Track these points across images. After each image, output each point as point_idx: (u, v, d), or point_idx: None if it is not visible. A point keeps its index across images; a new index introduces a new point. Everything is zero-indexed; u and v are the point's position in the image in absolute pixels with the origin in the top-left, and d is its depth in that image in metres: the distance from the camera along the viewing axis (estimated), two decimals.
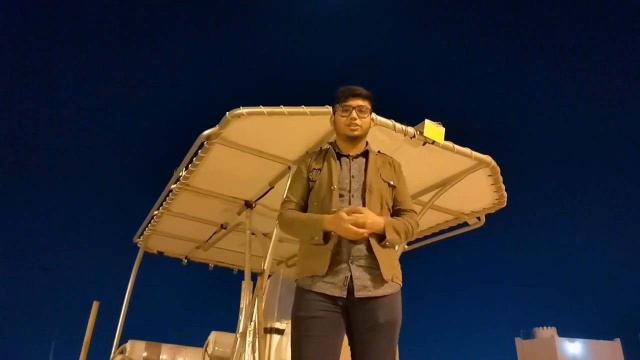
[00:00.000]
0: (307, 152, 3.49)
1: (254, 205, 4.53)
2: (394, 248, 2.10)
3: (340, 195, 2.03)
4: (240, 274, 6.37)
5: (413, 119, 3.38)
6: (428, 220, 4.70)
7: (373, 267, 1.93)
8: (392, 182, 2.14)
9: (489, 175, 3.80)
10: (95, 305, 5.92)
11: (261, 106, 3.13)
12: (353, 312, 1.91)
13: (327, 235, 1.94)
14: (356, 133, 2.13)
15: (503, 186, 3.95)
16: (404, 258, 4.72)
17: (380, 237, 1.97)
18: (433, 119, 3.38)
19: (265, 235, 4.91)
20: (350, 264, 1.91)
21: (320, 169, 2.13)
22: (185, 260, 6.58)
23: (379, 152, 2.28)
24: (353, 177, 2.08)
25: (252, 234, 4.54)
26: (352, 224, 1.87)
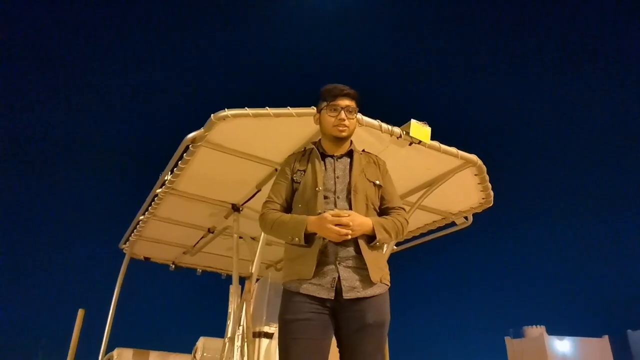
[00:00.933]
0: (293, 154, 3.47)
1: (241, 208, 4.49)
2: (383, 248, 2.09)
3: (326, 197, 2.01)
4: (229, 278, 6.33)
5: (399, 118, 3.38)
6: (416, 221, 4.70)
7: (361, 268, 1.91)
8: (377, 182, 2.12)
9: (476, 175, 3.80)
10: (80, 312, 5.82)
11: (246, 108, 3.10)
12: (341, 313, 1.89)
13: (308, 237, 1.92)
14: (344, 134, 2.11)
15: (489, 185, 3.96)
16: (393, 259, 4.72)
17: (370, 238, 1.95)
18: (419, 119, 3.38)
19: (253, 238, 4.86)
20: (338, 265, 1.89)
21: (304, 170, 2.10)
22: (173, 266, 6.51)
23: (363, 151, 2.26)
24: (338, 177, 2.06)
25: (240, 237, 4.50)
26: (335, 225, 1.85)
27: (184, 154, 3.53)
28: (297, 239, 1.92)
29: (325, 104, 2.13)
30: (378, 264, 1.97)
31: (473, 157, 3.62)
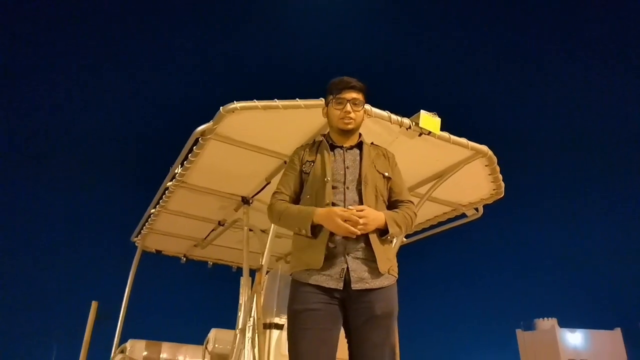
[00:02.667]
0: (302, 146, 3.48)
1: (251, 201, 4.51)
2: (393, 241, 2.09)
3: (334, 187, 2.01)
4: (239, 271, 6.36)
5: (410, 111, 3.36)
6: (426, 213, 4.69)
7: (370, 259, 1.91)
8: (386, 174, 2.12)
9: (486, 166, 3.78)
10: (94, 305, 5.91)
11: (255, 100, 3.11)
12: (350, 304, 1.90)
13: (314, 229, 1.93)
14: (350, 127, 2.11)
15: (500, 176, 3.93)
16: (403, 251, 4.71)
17: (382, 232, 1.96)
18: (429, 110, 3.36)
19: (263, 231, 4.88)
20: (347, 256, 1.90)
21: (313, 161, 2.11)
22: (184, 259, 6.57)
23: (372, 143, 2.26)
24: (347, 168, 2.06)
25: (250, 230, 4.52)
26: (345, 220, 1.85)
27: (194, 147, 3.55)
28: (303, 230, 1.93)
29: (331, 97, 2.14)
30: (387, 255, 1.97)
31: (483, 147, 3.59)
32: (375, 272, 1.91)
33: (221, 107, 3.12)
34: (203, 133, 3.36)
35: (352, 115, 2.09)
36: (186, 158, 3.73)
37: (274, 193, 2.14)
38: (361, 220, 1.86)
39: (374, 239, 1.93)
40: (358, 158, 2.11)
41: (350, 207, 1.92)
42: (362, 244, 1.93)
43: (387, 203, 2.12)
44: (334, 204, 1.96)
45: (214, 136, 3.42)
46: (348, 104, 2.09)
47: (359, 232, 1.87)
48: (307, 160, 2.13)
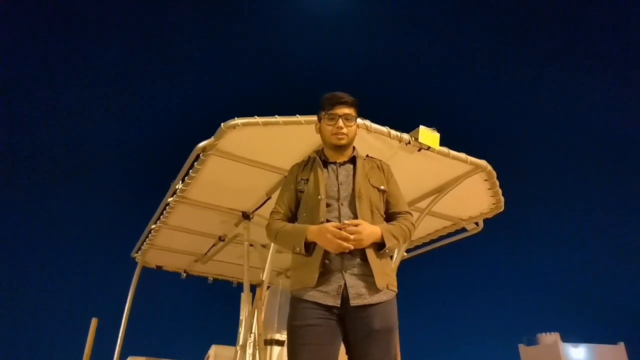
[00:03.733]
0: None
1: (251, 216, 4.52)
2: (391, 255, 2.09)
3: (328, 205, 2.01)
4: (240, 286, 6.35)
5: (406, 123, 3.39)
6: (426, 227, 4.69)
7: (367, 274, 1.91)
8: (382, 187, 2.12)
9: (486, 180, 3.80)
10: (94, 321, 5.88)
11: (256, 116, 3.14)
12: (348, 320, 1.89)
13: (308, 247, 1.93)
14: (343, 142, 2.11)
15: (500, 190, 3.95)
16: (403, 265, 4.71)
17: (379, 246, 1.96)
18: (428, 125, 3.39)
19: (263, 246, 4.89)
20: (344, 273, 1.90)
21: (307, 179, 2.11)
22: (184, 274, 6.55)
23: (367, 156, 2.27)
24: (341, 184, 2.06)
25: (250, 245, 4.52)
26: (335, 236, 1.85)
27: (195, 163, 3.57)
28: (297, 248, 1.94)
29: (324, 113, 2.15)
30: (384, 270, 1.96)
31: (482, 162, 3.61)
32: (373, 287, 1.90)
33: (222, 124, 3.16)
34: (204, 149, 3.39)
35: (345, 130, 2.10)
36: (187, 174, 3.75)
37: (272, 212, 2.16)
38: (353, 236, 1.86)
39: (370, 254, 1.92)
40: (351, 173, 2.11)
41: (345, 222, 1.92)
42: (359, 260, 1.92)
43: (384, 216, 2.12)
44: (328, 221, 1.95)
45: (214, 152, 3.44)
46: (340, 120, 2.09)
47: (351, 247, 1.86)
48: (302, 179, 2.14)
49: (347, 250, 1.87)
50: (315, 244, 1.93)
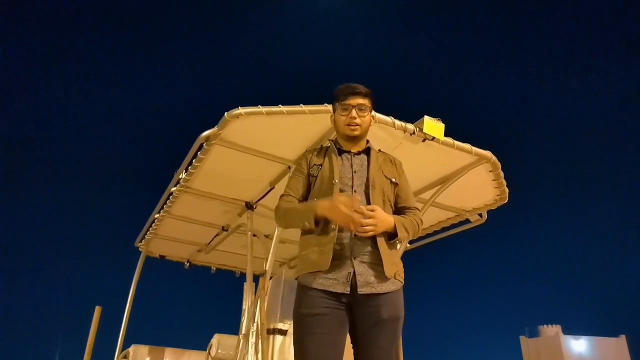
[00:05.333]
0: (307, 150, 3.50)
1: (254, 206, 4.52)
2: (398, 245, 2.09)
3: (342, 190, 2.00)
4: (243, 276, 6.37)
5: (413, 116, 3.37)
6: (430, 218, 4.69)
7: (376, 263, 1.91)
8: (394, 179, 2.13)
9: (490, 171, 3.78)
10: (97, 310, 5.90)
11: (260, 106, 3.12)
12: (356, 308, 1.89)
13: (318, 223, 1.91)
14: (356, 133, 2.12)
15: (504, 182, 3.93)
16: (406, 257, 4.71)
17: (390, 235, 1.96)
18: (433, 116, 3.37)
19: (266, 236, 4.89)
20: (353, 260, 1.89)
21: (321, 165, 2.11)
22: (187, 264, 6.57)
23: (379, 150, 2.27)
24: (355, 172, 2.07)
25: (254, 235, 4.53)
26: (348, 207, 1.81)
27: (198, 152, 3.57)
28: (307, 223, 1.91)
29: (337, 103, 2.15)
30: (393, 259, 1.97)
31: (487, 153, 3.60)
32: (381, 276, 1.90)
33: (225, 113, 3.14)
34: (207, 138, 3.38)
35: (358, 120, 2.10)
36: (190, 163, 3.74)
37: (282, 195, 2.15)
38: (370, 220, 1.85)
39: (381, 242, 1.93)
40: (366, 163, 2.11)
41: (362, 206, 1.89)
42: (370, 248, 1.92)
43: (393, 208, 2.12)
44: None
45: (218, 141, 3.43)
46: (353, 110, 2.09)
47: (363, 223, 1.83)
48: (315, 164, 2.14)
49: (359, 227, 1.83)
50: (326, 222, 1.91)
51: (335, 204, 1.83)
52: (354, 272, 1.88)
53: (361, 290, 1.86)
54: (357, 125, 2.10)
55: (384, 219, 1.91)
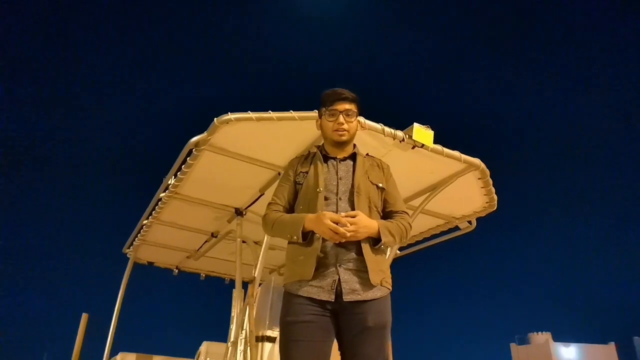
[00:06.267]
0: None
1: (244, 212, 4.50)
2: (386, 252, 2.08)
3: (326, 198, 2.00)
4: (232, 283, 6.32)
5: (402, 122, 3.38)
6: (419, 225, 4.69)
7: (362, 270, 1.90)
8: (380, 185, 2.12)
9: (479, 179, 3.80)
10: (84, 317, 5.84)
11: (249, 112, 3.12)
12: (342, 316, 1.88)
13: (306, 236, 1.92)
14: (344, 138, 2.11)
15: (493, 189, 3.95)
16: (396, 264, 4.71)
17: (375, 241, 1.95)
18: (423, 122, 3.39)
19: (256, 243, 4.87)
20: (338, 267, 1.89)
21: (307, 172, 2.11)
22: (176, 271, 6.52)
23: (367, 154, 2.26)
24: (340, 179, 2.06)
25: (243, 241, 4.50)
26: (333, 223, 1.83)
27: (188, 158, 3.55)
28: (294, 236, 1.92)
29: (324, 109, 2.15)
30: (379, 266, 1.96)
31: (476, 160, 3.61)
32: (367, 283, 1.89)
33: (215, 119, 3.13)
34: (197, 144, 3.36)
35: (345, 126, 2.10)
36: (179, 169, 3.72)
37: (269, 204, 2.14)
38: (351, 227, 1.86)
39: (366, 248, 1.92)
40: (351, 169, 2.11)
41: (342, 213, 1.91)
42: (354, 254, 1.91)
43: (381, 214, 2.11)
44: None
45: (207, 147, 3.42)
46: (341, 116, 2.09)
47: (347, 235, 1.85)
48: (301, 171, 2.14)
49: (344, 239, 1.85)
50: (312, 233, 1.91)
51: (321, 218, 1.86)
52: (339, 279, 1.87)
53: (346, 297, 1.85)
54: (345, 130, 2.10)
55: (367, 224, 1.90)
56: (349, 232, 1.85)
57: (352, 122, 2.12)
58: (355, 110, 2.14)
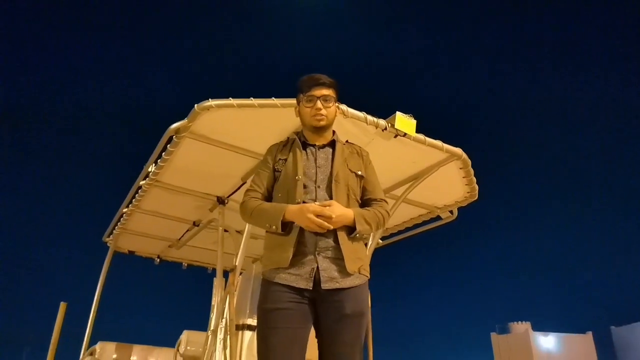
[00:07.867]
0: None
1: (226, 201, 4.46)
2: (364, 239, 2.08)
3: (305, 186, 2.00)
4: (214, 272, 6.30)
5: (385, 112, 3.37)
6: (401, 215, 4.71)
7: (340, 258, 1.90)
8: (359, 172, 2.11)
9: (461, 168, 3.81)
10: (62, 306, 5.74)
11: (230, 98, 3.07)
12: (320, 303, 1.89)
13: (286, 226, 1.91)
14: (322, 123, 2.10)
15: (474, 179, 3.97)
16: (378, 253, 4.72)
17: (351, 229, 1.94)
18: (405, 112, 3.38)
19: (238, 232, 4.82)
20: (317, 255, 1.88)
21: (285, 159, 2.10)
22: (158, 260, 6.46)
23: (346, 141, 2.25)
24: (319, 167, 2.05)
25: (225, 230, 4.47)
26: (316, 215, 1.84)
27: (168, 145, 3.49)
28: (274, 226, 1.91)
29: (302, 95, 2.13)
30: (357, 254, 1.96)
31: (458, 150, 3.63)
32: (344, 271, 1.89)
33: (196, 105, 3.09)
34: (177, 131, 3.31)
35: (323, 111, 2.08)
36: (160, 156, 3.67)
37: (247, 191, 2.12)
38: (333, 218, 1.85)
39: (342, 237, 1.92)
40: (330, 157, 2.10)
41: (316, 203, 1.91)
42: (332, 243, 1.91)
43: (360, 202, 2.11)
44: (304, 203, 1.94)
45: (188, 134, 3.37)
46: (318, 101, 2.08)
47: (331, 227, 1.86)
48: (280, 159, 2.12)
49: (325, 230, 1.86)
50: (292, 224, 1.91)
51: (304, 211, 1.85)
52: (318, 267, 1.87)
53: (325, 285, 1.85)
54: (323, 115, 2.09)
55: (342, 213, 1.90)
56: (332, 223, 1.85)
57: (330, 107, 2.11)
58: (334, 96, 2.13)
